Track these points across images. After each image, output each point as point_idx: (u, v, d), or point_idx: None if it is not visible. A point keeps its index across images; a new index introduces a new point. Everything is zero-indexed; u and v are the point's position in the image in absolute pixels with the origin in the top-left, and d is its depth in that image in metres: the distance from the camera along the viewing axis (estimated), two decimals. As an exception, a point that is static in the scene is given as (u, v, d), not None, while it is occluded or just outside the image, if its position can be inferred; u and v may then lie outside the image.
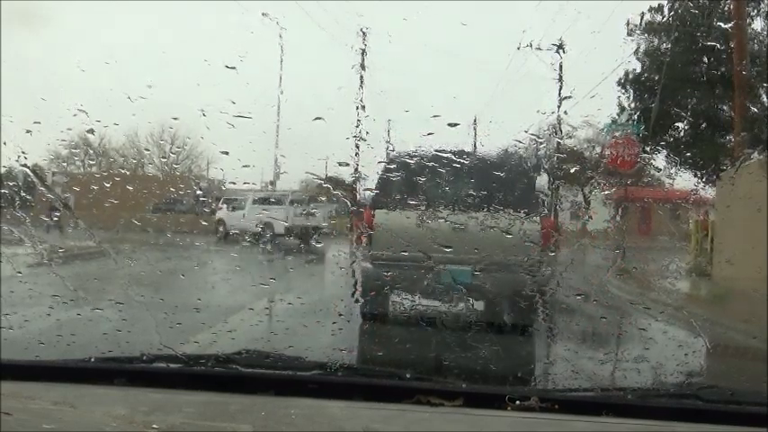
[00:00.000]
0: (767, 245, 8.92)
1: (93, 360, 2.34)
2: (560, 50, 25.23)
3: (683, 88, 19.02)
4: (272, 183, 22.82)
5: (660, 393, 2.22)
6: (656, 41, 20.66)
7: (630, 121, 19.31)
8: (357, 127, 5.86)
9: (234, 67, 4.84)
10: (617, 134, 18.69)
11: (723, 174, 15.17)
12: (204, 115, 4.80)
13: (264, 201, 21.40)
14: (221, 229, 22.05)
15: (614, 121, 20.19)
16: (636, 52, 20.64)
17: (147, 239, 9.41)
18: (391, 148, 6.33)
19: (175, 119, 6.00)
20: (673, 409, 1.99)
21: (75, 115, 4.62)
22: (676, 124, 19.85)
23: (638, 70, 20.99)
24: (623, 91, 21.00)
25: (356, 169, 5.88)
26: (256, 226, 16.96)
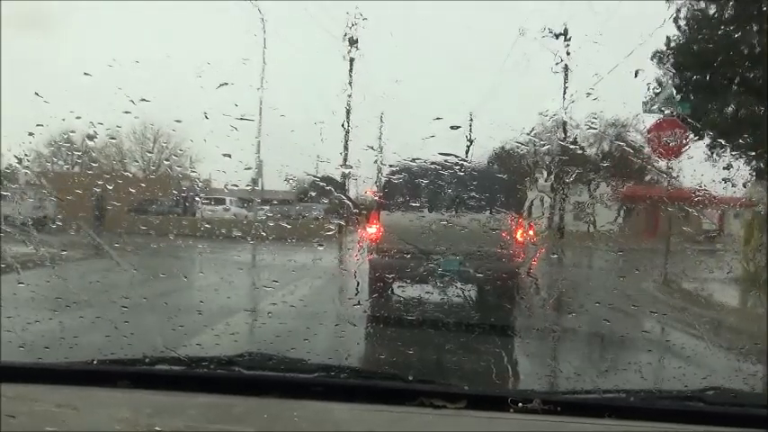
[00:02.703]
0: (767, 248, 8.77)
1: (95, 362, 2.34)
2: (565, 38, 24.22)
3: (733, 59, 14.99)
4: (254, 181, 22.77)
5: (663, 395, 2.22)
6: (701, 2, 15.95)
7: (673, 100, 15.40)
8: (346, 128, 6.03)
9: (228, 84, 4.85)
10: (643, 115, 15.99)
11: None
12: (207, 118, 4.82)
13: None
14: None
15: (651, 100, 15.97)
16: (676, 16, 16.16)
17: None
18: (393, 151, 6.51)
19: (178, 121, 6.00)
20: (675, 411, 1.99)
21: (78, 118, 4.64)
22: (723, 103, 15.79)
23: (667, 44, 16.45)
24: (659, 64, 16.53)
25: (344, 174, 6.11)
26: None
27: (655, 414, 1.97)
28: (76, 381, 2.15)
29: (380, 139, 6.44)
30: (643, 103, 16.35)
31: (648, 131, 15.11)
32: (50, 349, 3.67)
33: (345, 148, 5.64)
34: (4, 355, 2.93)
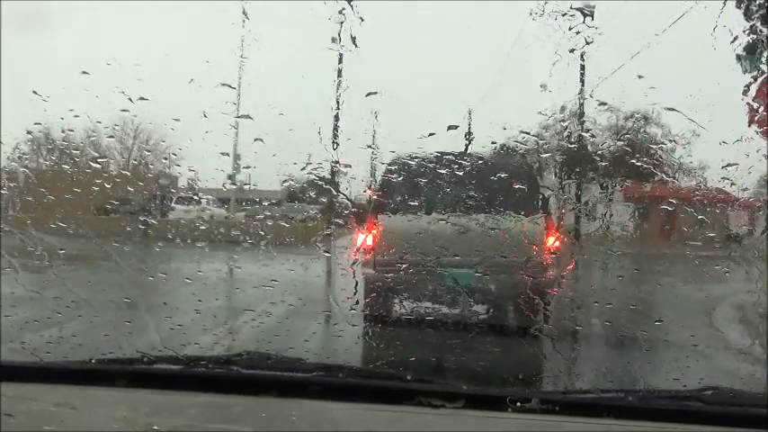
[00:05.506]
0: (767, 251, 8.60)
1: (94, 361, 2.34)
2: (585, 16, 22.88)
3: None
4: (231, 177, 22.12)
5: (661, 395, 2.22)
6: None
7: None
8: (343, 127, 5.86)
9: (227, 84, 4.83)
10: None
11: None
12: (205, 116, 4.82)
13: None
14: None
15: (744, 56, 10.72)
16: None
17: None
18: (391, 149, 6.28)
19: (177, 120, 5.97)
20: (674, 411, 1.98)
21: (76, 116, 4.64)
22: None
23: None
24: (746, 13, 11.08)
25: (342, 173, 5.61)
26: None
27: (653, 414, 1.96)
28: (75, 380, 2.15)
29: (374, 137, 6.22)
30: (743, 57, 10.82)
31: (758, 93, 10.13)
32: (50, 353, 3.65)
33: (337, 146, 5.42)
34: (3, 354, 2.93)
